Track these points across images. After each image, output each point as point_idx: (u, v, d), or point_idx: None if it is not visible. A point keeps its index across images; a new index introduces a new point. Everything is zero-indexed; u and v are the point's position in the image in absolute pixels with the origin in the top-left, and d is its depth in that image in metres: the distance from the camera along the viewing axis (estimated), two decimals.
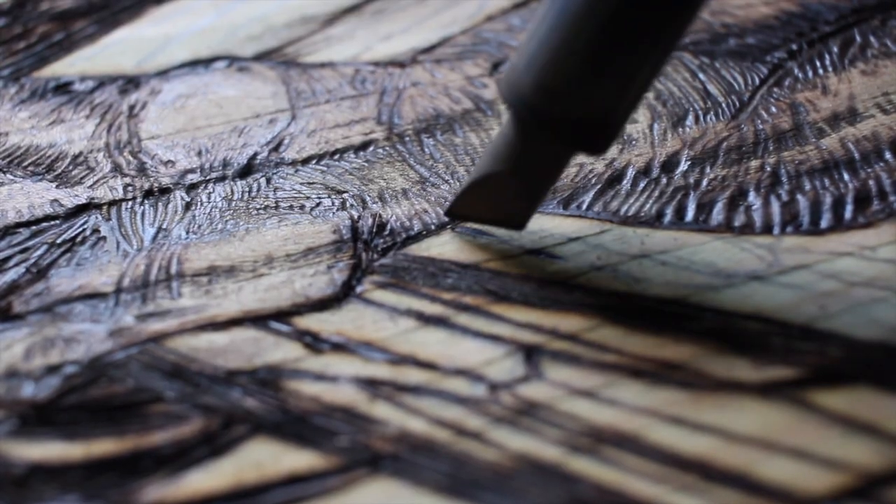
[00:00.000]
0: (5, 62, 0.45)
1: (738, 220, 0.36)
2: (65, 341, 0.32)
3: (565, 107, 0.30)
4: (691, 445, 0.29)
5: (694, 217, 0.36)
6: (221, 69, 0.44)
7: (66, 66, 0.45)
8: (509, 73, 0.31)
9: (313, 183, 0.38)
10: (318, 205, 0.37)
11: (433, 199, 0.37)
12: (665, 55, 0.30)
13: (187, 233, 0.36)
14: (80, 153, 0.40)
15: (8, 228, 0.36)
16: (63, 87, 0.43)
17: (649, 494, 0.28)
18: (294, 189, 0.38)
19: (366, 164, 0.39)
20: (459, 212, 0.34)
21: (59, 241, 0.36)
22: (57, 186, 0.38)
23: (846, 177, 0.37)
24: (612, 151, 0.39)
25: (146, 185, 0.38)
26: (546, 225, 0.36)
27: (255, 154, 0.39)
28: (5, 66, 0.44)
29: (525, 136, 0.31)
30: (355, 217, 0.36)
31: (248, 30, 0.46)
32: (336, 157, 0.39)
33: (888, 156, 0.38)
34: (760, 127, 0.40)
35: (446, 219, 0.36)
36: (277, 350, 0.32)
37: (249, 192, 0.38)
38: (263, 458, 0.29)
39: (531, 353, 0.31)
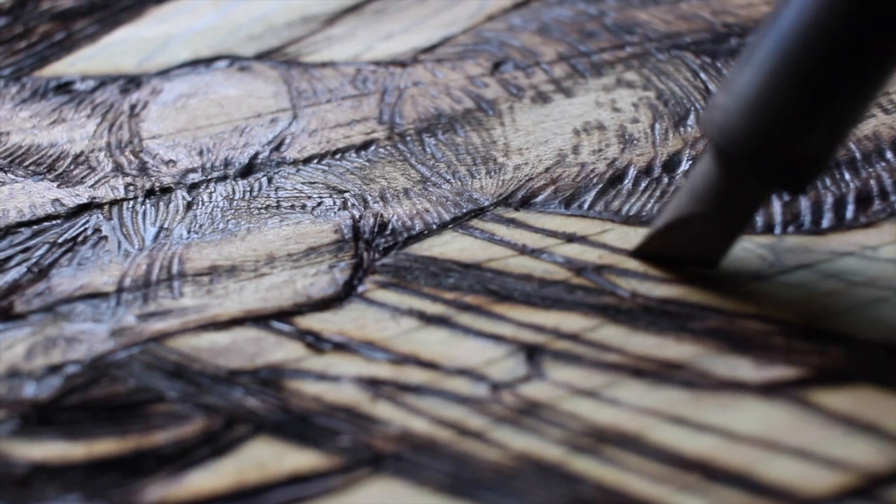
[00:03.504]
0: (6, 62, 0.45)
1: None
2: (66, 341, 0.32)
3: (782, 150, 0.30)
4: (693, 445, 0.29)
5: None
6: (222, 69, 0.44)
7: (67, 66, 0.45)
8: (718, 116, 0.31)
9: (315, 182, 0.38)
10: (319, 204, 0.37)
11: (434, 198, 0.37)
12: (876, 95, 0.30)
13: (189, 232, 0.36)
14: (82, 153, 0.40)
15: (9, 228, 0.36)
16: (64, 87, 0.43)
17: (651, 494, 0.28)
18: (295, 188, 0.38)
19: (367, 164, 0.39)
20: (650, 251, 0.34)
21: (60, 240, 0.36)
22: (58, 186, 0.38)
23: (847, 176, 0.37)
24: (614, 151, 0.39)
25: (147, 185, 0.38)
26: (548, 225, 0.36)
27: (257, 153, 0.39)
28: (6, 66, 0.44)
29: (731, 177, 0.31)
30: (357, 217, 0.36)
31: (249, 29, 0.46)
32: (337, 156, 0.39)
33: (889, 155, 0.38)
34: None
35: (447, 221, 0.36)
36: (279, 350, 0.32)
37: (251, 191, 0.38)
38: (265, 458, 0.29)
39: (533, 353, 0.31)
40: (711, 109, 0.31)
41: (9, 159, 0.39)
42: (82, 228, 0.36)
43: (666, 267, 0.34)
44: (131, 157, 0.39)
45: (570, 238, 0.35)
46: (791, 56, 0.29)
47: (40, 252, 0.35)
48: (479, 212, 0.36)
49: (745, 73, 0.30)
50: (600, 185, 0.37)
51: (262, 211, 0.37)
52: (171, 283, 0.34)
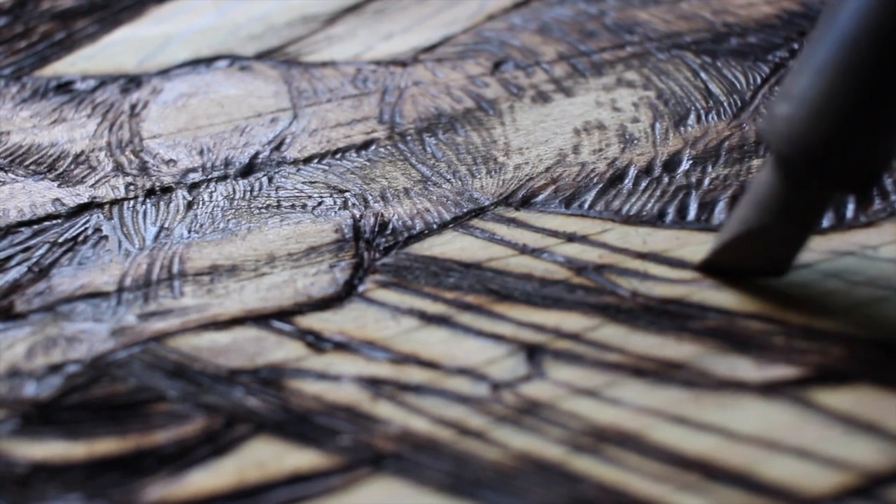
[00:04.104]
0: (7, 61, 0.45)
1: None
2: (67, 340, 0.32)
3: (848, 152, 0.30)
4: (693, 445, 0.29)
5: (696, 216, 0.36)
6: (223, 68, 0.44)
7: (68, 66, 0.45)
8: (781, 125, 0.30)
9: (315, 182, 0.38)
10: (319, 204, 0.37)
11: (435, 198, 0.37)
12: None
13: (189, 232, 0.36)
14: (82, 152, 0.40)
15: (10, 227, 0.36)
16: (64, 87, 0.43)
17: (651, 494, 0.28)
18: (296, 188, 0.38)
19: (368, 164, 0.39)
20: (716, 265, 0.34)
21: (60, 240, 0.36)
22: (59, 185, 0.38)
23: None
24: (614, 150, 0.39)
25: (148, 185, 0.38)
26: (548, 224, 0.36)
27: (257, 153, 0.39)
28: (7, 66, 0.44)
29: (796, 184, 0.31)
30: (357, 216, 0.36)
31: (249, 29, 0.46)
32: (338, 156, 0.39)
33: None
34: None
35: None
36: (280, 349, 0.32)
37: (251, 191, 0.38)
38: (266, 458, 0.29)
39: (533, 353, 0.31)
40: (772, 119, 0.31)
41: (9, 159, 0.39)
42: (83, 228, 0.36)
43: (729, 279, 0.33)
44: (132, 157, 0.39)
45: (571, 237, 0.35)
46: (852, 58, 0.29)
47: (41, 252, 0.35)
48: (480, 211, 0.36)
49: (805, 79, 0.30)
50: (601, 185, 0.37)
51: (263, 210, 0.37)
52: (172, 282, 0.34)
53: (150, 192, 0.38)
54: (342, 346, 0.32)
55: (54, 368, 0.31)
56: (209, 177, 0.38)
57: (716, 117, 0.40)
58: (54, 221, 0.36)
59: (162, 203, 0.37)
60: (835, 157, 0.30)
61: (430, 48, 0.45)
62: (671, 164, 0.38)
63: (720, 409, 0.29)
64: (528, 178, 0.38)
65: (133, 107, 0.42)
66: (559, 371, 0.31)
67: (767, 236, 0.32)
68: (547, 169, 0.38)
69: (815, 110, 0.30)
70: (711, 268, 0.34)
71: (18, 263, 0.35)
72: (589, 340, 0.32)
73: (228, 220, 0.36)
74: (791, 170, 0.31)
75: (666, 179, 0.38)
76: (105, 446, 0.29)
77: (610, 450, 0.29)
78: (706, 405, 0.30)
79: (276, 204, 0.37)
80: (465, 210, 0.37)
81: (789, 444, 0.29)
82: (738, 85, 0.42)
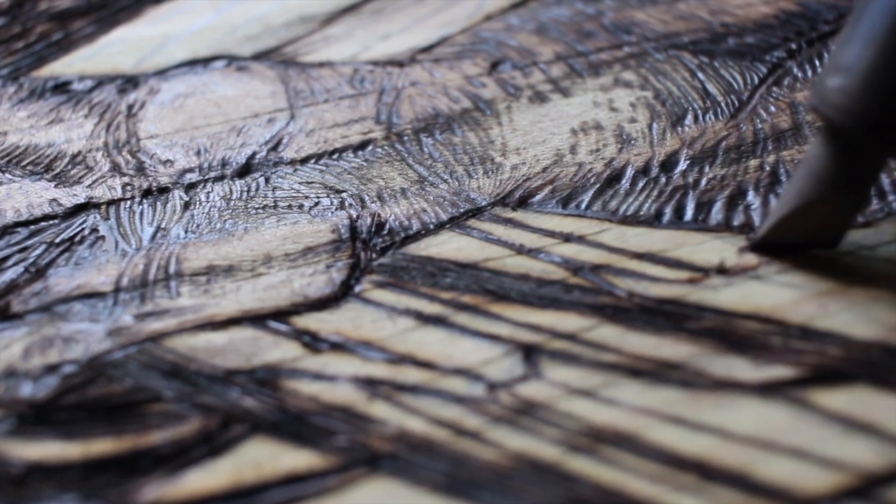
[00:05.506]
0: (4, 61, 0.45)
1: (737, 219, 0.36)
2: (63, 341, 0.32)
3: None
4: (690, 445, 0.29)
5: (693, 216, 0.36)
6: (220, 69, 0.44)
7: (65, 66, 0.45)
8: (834, 96, 0.31)
9: (312, 182, 0.38)
10: (316, 204, 0.37)
11: (432, 198, 0.37)
12: None
13: (186, 232, 0.36)
14: (79, 152, 0.40)
15: (6, 228, 0.36)
16: (62, 87, 0.43)
17: (648, 494, 0.28)
18: (293, 188, 0.38)
19: (364, 164, 0.39)
20: (773, 241, 0.34)
21: (57, 240, 0.36)
22: (55, 186, 0.38)
23: None
24: (611, 150, 0.39)
25: (145, 185, 0.38)
26: (545, 224, 0.36)
27: (254, 153, 0.39)
28: (4, 66, 0.44)
29: (855, 154, 0.32)
30: (354, 216, 0.36)
31: (246, 29, 0.46)
32: (335, 156, 0.39)
33: None
34: (759, 126, 0.40)
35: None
36: (276, 349, 0.32)
37: (248, 191, 0.38)
38: (262, 458, 0.29)
39: (530, 353, 0.31)
40: (824, 93, 0.32)
41: (6, 159, 0.39)
42: (80, 228, 0.36)
43: (784, 256, 0.34)
44: (129, 157, 0.39)
45: (568, 238, 0.35)
46: None
47: (37, 252, 0.35)
48: (477, 211, 0.36)
49: (854, 50, 0.31)
50: (598, 185, 0.37)
51: (260, 211, 0.37)
52: (168, 282, 0.34)
53: (146, 193, 0.38)
54: (338, 347, 0.32)
55: (51, 369, 0.31)
56: (206, 177, 0.38)
57: (713, 117, 0.40)
58: (51, 222, 0.36)
59: (159, 203, 0.37)
60: (891, 120, 0.31)
61: (427, 48, 0.45)
62: (668, 165, 0.38)
63: (717, 410, 0.29)
64: (525, 178, 0.38)
65: (130, 107, 0.42)
66: (555, 371, 0.31)
67: (825, 207, 0.33)
68: (544, 169, 0.38)
69: (870, 79, 0.30)
70: (767, 245, 0.34)
71: (15, 264, 0.35)
72: (585, 341, 0.32)
73: (225, 220, 0.36)
74: (848, 140, 0.32)
75: (663, 180, 0.38)
76: (101, 446, 0.29)
77: (606, 450, 0.29)
78: (703, 405, 0.30)
79: (272, 204, 0.37)
80: (461, 210, 0.37)
81: (786, 444, 0.29)
82: (735, 85, 0.42)
